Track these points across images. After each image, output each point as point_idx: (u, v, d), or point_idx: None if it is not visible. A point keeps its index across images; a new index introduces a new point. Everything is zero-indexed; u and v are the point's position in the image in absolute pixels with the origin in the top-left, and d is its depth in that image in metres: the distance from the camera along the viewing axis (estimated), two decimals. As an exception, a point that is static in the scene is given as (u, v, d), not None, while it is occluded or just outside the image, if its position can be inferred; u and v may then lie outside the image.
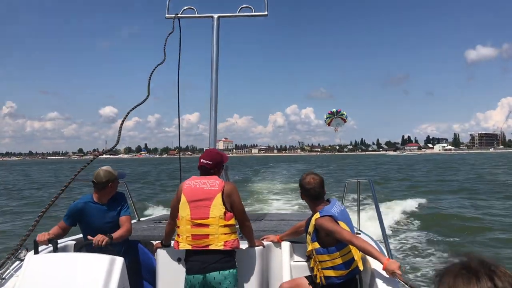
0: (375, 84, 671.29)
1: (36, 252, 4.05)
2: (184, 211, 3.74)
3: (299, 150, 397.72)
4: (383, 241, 4.23)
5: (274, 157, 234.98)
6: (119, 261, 3.71)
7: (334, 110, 9.89)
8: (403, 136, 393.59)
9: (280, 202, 20.52)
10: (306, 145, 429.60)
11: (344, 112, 9.74)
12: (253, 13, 5.41)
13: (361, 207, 6.11)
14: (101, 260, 3.66)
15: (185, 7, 5.54)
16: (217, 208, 3.68)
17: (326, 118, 9.89)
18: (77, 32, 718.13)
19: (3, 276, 3.84)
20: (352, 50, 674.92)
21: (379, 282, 3.54)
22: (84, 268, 3.63)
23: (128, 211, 4.51)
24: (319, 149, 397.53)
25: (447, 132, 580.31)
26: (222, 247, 3.63)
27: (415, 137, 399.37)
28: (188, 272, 3.72)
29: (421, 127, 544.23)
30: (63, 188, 2.73)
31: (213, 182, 3.78)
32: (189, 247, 3.70)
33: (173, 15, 5.43)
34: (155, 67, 4.36)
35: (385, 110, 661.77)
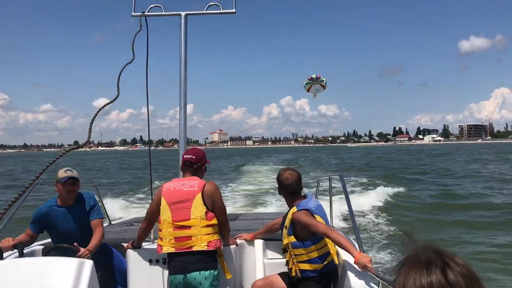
0: (370, 76, 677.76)
1: (1, 257, 3.96)
2: (165, 214, 3.69)
3: (293, 142, 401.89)
4: (355, 235, 4.26)
5: (267, 148, 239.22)
6: (88, 264, 3.63)
7: (313, 76, 9.21)
8: (394, 128, 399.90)
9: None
10: (299, 137, 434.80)
11: (324, 79, 9.17)
12: (221, 11, 5.38)
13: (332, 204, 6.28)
14: (69, 264, 3.57)
15: (152, 5, 5.41)
16: (197, 208, 3.64)
17: (306, 84, 9.18)
18: (71, 24, 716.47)
19: None
20: (347, 41, 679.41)
21: (351, 275, 3.57)
22: (51, 273, 3.53)
23: (101, 214, 4.42)
24: (312, 141, 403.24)
25: (441, 123, 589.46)
26: (205, 248, 3.61)
27: (406, 129, 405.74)
28: (170, 273, 3.71)
29: (415, 118, 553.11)
30: (23, 189, 2.42)
31: (192, 183, 3.73)
32: (173, 250, 3.65)
33: (140, 14, 5.27)
34: (124, 67, 4.23)
35: (379, 101, 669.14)
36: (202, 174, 3.95)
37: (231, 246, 4.16)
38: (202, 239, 3.62)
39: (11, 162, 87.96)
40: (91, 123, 3.26)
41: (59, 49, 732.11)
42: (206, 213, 3.66)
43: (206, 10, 5.37)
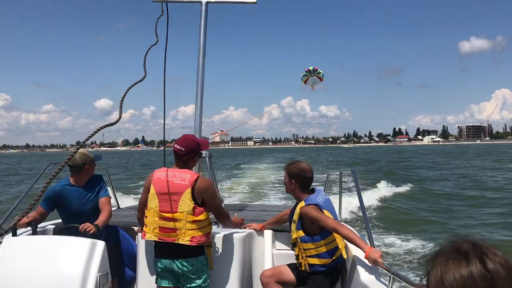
0: (370, 77, 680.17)
1: (15, 234, 4.03)
2: (153, 202, 3.64)
3: (293, 142, 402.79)
4: (365, 230, 4.26)
5: (267, 149, 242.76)
6: (100, 245, 3.65)
7: (311, 68, 9.22)
8: (394, 128, 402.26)
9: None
10: (300, 137, 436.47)
11: (321, 71, 9.16)
12: (242, 0, 5.29)
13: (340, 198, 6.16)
14: (82, 244, 3.60)
15: None
16: (185, 203, 3.57)
17: (303, 76, 9.18)
18: (74, 25, 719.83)
19: None
20: (347, 43, 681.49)
21: (361, 270, 3.58)
22: (64, 251, 3.58)
23: (107, 192, 4.46)
24: (313, 141, 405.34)
25: (442, 124, 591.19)
26: (188, 243, 3.54)
27: (406, 129, 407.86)
28: (156, 256, 3.70)
29: (416, 119, 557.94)
30: (50, 178, 2.40)
31: (184, 176, 3.64)
32: (156, 239, 3.63)
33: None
34: (149, 48, 4.11)
35: (380, 102, 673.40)
36: (193, 164, 3.88)
37: (241, 235, 4.08)
38: (186, 234, 3.55)
39: (17, 161, 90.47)
40: (121, 101, 3.18)
41: (60, 49, 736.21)
42: (193, 208, 3.57)
43: None
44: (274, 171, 36.37)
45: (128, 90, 3.32)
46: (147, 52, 4.09)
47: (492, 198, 19.29)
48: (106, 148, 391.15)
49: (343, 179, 6.45)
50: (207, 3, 5.20)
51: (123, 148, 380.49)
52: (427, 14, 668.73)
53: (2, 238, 3.84)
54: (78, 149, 2.84)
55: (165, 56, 4.90)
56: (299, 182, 3.95)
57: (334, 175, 7.90)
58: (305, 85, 8.80)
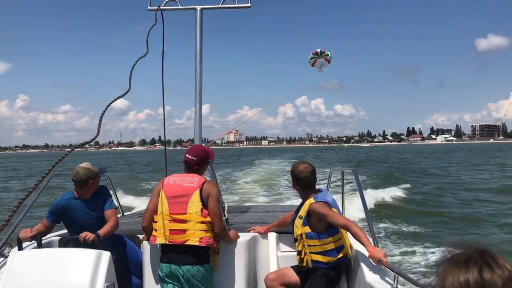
0: (385, 75, 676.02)
1: (20, 248, 4.04)
2: (163, 206, 3.76)
3: (307, 142, 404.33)
4: (368, 229, 4.28)
5: (281, 148, 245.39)
6: (106, 255, 3.68)
7: (318, 50, 8.99)
8: (408, 128, 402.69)
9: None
10: (314, 137, 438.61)
11: (328, 53, 8.94)
12: (236, 5, 5.29)
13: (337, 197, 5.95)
14: (87, 255, 3.63)
15: (167, 0, 5.31)
16: (194, 204, 3.71)
17: (310, 59, 8.96)
18: (93, 26, 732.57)
19: None
20: (362, 41, 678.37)
21: (365, 269, 3.61)
22: (70, 263, 3.61)
23: (113, 204, 4.48)
24: (327, 141, 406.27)
25: (458, 122, 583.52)
26: (197, 243, 3.65)
27: (420, 129, 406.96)
28: (162, 261, 3.77)
29: (433, 118, 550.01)
30: (36, 182, 2.41)
31: (192, 179, 3.80)
32: (166, 242, 3.72)
33: (156, 8, 5.19)
34: (137, 60, 4.09)
35: (396, 101, 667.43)
36: (203, 171, 4.03)
37: (245, 239, 4.14)
38: (196, 234, 3.66)
39: (38, 161, 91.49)
40: (101, 117, 3.13)
41: (78, 50, 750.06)
42: (202, 209, 3.70)
43: (221, 5, 5.32)
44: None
45: (109, 105, 3.33)
46: (135, 64, 4.12)
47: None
48: (124, 148, 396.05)
49: (340, 178, 6.73)
50: (201, 9, 5.29)
51: (141, 148, 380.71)
52: (444, 12, 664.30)
53: (8, 253, 3.99)
54: (73, 149, 2.90)
55: (162, 65, 5.06)
56: (299, 184, 4.03)
57: (335, 174, 8.16)
58: (312, 67, 8.67)
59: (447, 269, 1.18)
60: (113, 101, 3.46)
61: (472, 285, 1.11)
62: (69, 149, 2.58)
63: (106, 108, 3.25)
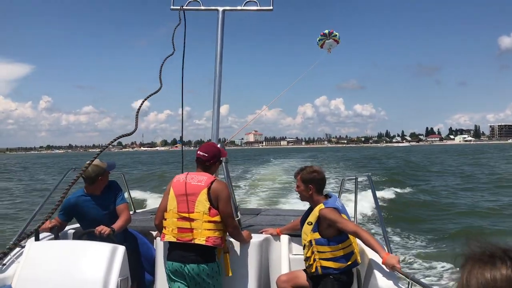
0: (406, 75, 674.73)
1: (37, 239, 4.11)
2: (172, 204, 3.80)
3: (326, 142, 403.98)
4: (382, 235, 4.27)
5: (299, 148, 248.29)
6: (121, 249, 3.74)
7: (326, 31, 8.39)
8: (427, 128, 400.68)
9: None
10: (333, 137, 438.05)
11: (336, 33, 8.38)
12: (258, 7, 5.35)
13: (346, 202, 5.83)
14: (103, 248, 3.69)
15: (190, 0, 5.41)
16: (202, 203, 3.70)
17: (319, 40, 8.37)
18: (117, 27, 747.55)
19: (4, 262, 3.83)
20: (383, 41, 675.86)
21: (378, 275, 3.57)
22: (86, 256, 3.67)
23: (124, 199, 4.52)
24: (345, 141, 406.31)
25: (480, 122, 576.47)
26: (204, 242, 3.66)
27: (438, 129, 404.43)
28: (169, 258, 3.81)
29: (454, 117, 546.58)
30: (75, 178, 2.45)
31: (201, 178, 3.80)
32: (174, 240, 3.74)
33: (178, 7, 5.27)
34: (165, 59, 4.17)
35: (417, 101, 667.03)
36: (214, 170, 4.06)
37: (258, 240, 4.17)
38: (202, 234, 3.67)
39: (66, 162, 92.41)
40: (137, 113, 3.21)
41: (102, 52, 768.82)
42: (209, 209, 3.70)
43: (243, 6, 5.39)
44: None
45: (143, 101, 3.39)
46: (163, 63, 4.20)
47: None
48: (146, 148, 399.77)
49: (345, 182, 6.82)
50: (224, 11, 5.34)
51: (162, 148, 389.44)
52: (465, 10, 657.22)
53: (25, 243, 3.97)
54: (94, 158, 2.93)
55: (183, 65, 4.98)
56: (315, 185, 3.98)
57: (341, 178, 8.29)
58: (321, 49, 8.50)
59: (470, 266, 1.16)
60: (147, 98, 3.57)
61: (499, 281, 1.10)
62: (107, 143, 2.80)
63: (142, 104, 3.37)
